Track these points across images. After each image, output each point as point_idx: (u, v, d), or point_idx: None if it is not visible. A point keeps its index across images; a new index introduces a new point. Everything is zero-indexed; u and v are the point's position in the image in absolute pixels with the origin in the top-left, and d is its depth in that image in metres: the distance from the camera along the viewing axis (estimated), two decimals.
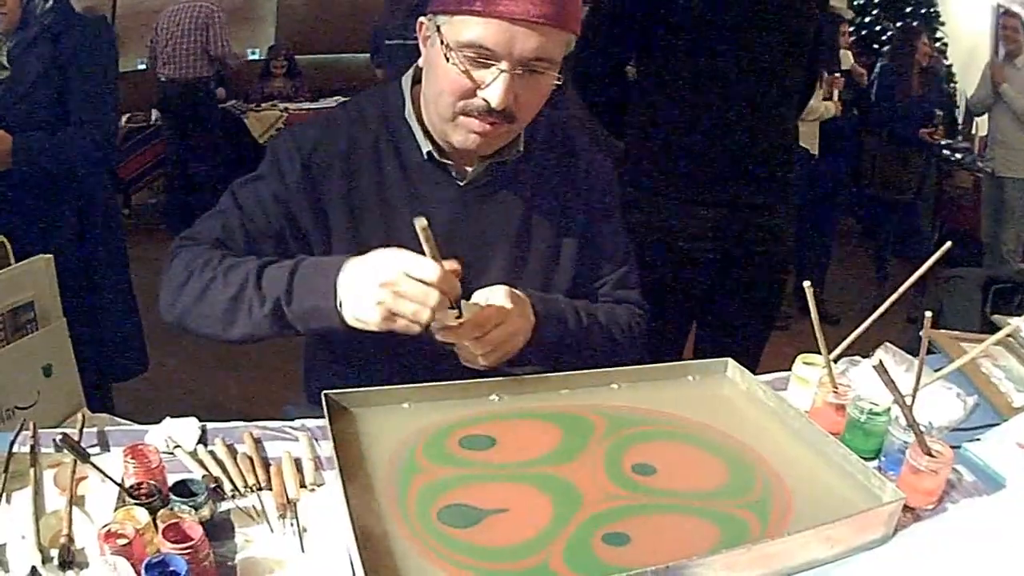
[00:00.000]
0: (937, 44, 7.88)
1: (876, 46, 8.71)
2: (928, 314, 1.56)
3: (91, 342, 2.93)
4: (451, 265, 1.49)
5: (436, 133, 1.72)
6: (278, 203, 1.71)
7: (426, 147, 1.72)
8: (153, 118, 7.95)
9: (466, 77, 1.57)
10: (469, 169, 1.76)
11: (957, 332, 2.24)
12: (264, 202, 1.71)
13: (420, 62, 1.71)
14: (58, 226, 2.97)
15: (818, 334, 1.65)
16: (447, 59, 1.57)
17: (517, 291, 1.66)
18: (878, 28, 9.13)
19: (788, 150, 2.93)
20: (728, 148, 2.75)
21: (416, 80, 1.77)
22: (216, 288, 1.59)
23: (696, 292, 2.96)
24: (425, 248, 1.44)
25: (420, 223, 1.41)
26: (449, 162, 1.75)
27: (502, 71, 1.55)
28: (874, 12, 9.28)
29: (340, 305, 1.49)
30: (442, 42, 1.57)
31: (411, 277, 1.42)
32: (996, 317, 2.60)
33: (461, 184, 1.76)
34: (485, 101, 1.58)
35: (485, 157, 1.75)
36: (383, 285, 1.42)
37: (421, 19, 1.66)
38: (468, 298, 1.63)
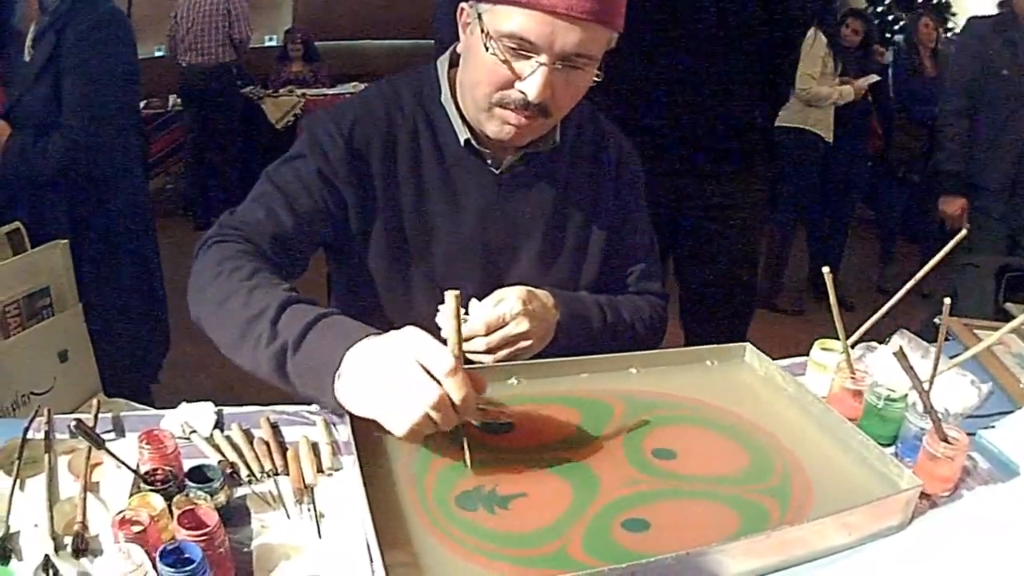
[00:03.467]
0: (948, 35, 7.86)
1: (888, 35, 8.76)
2: (947, 301, 1.55)
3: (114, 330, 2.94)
4: (474, 379, 1.32)
5: (472, 121, 1.71)
6: (322, 179, 1.69)
7: (464, 135, 1.72)
8: (170, 104, 7.98)
9: (506, 68, 1.55)
10: (506, 158, 1.76)
11: (971, 319, 2.23)
12: (307, 180, 1.68)
13: (458, 47, 1.71)
14: (81, 212, 2.96)
15: (837, 320, 1.64)
16: (486, 48, 1.55)
17: (537, 291, 1.67)
18: (891, 18, 9.16)
19: (748, 124, 3.04)
20: (686, 118, 2.89)
21: (452, 64, 1.76)
22: (236, 303, 1.47)
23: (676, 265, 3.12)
24: (447, 328, 1.36)
25: (451, 295, 1.33)
26: (486, 150, 1.74)
27: (541, 64, 1.53)
28: (887, 2, 9.31)
29: (337, 378, 1.33)
30: (482, 30, 1.55)
31: (421, 365, 1.26)
32: (1009, 305, 2.60)
33: (496, 172, 1.76)
34: (522, 93, 1.57)
35: (521, 147, 1.74)
36: (379, 364, 1.29)
37: (462, 4, 1.64)
38: (499, 286, 1.64)
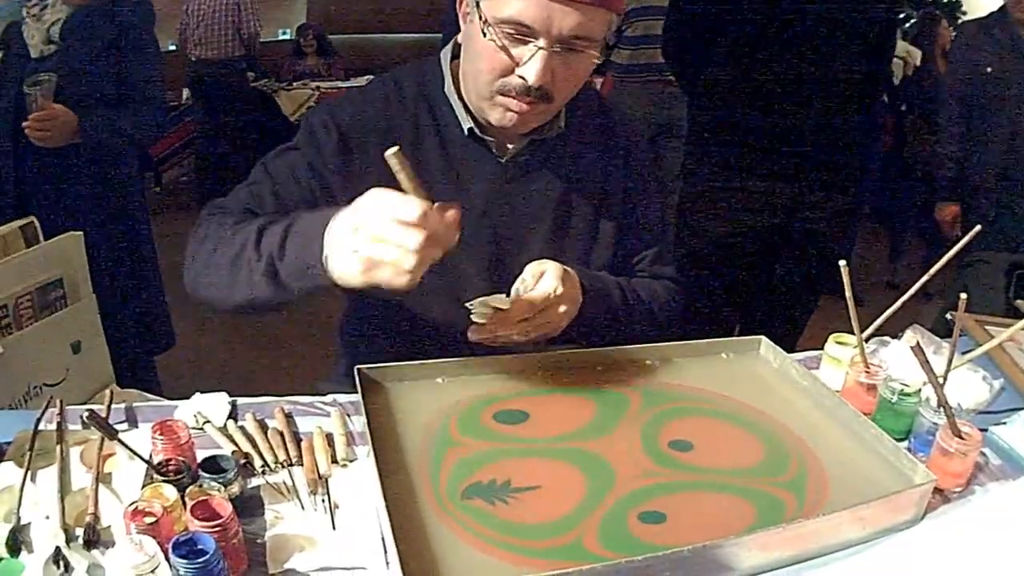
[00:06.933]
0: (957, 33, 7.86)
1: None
2: (963, 296, 1.55)
3: (118, 318, 2.96)
4: (447, 210, 1.34)
5: (474, 110, 1.71)
6: (312, 171, 1.69)
7: (467, 124, 1.71)
8: (183, 98, 8.02)
9: (504, 54, 1.55)
10: (510, 146, 1.76)
11: (982, 316, 2.23)
12: (296, 170, 1.69)
13: (459, 37, 1.70)
14: (86, 204, 2.99)
15: (852, 314, 1.64)
16: (484, 35, 1.54)
17: (568, 268, 1.65)
18: (902, 16, 9.13)
19: (851, 136, 3.08)
20: (792, 125, 2.93)
21: (455, 55, 1.76)
22: (222, 249, 1.53)
23: (749, 265, 3.17)
24: (402, 182, 1.31)
25: (389, 152, 1.30)
26: (490, 139, 1.73)
27: (540, 48, 1.52)
28: None
29: (326, 260, 1.36)
30: (480, 18, 1.55)
31: (392, 219, 1.27)
32: (1020, 302, 2.60)
33: (502, 161, 1.75)
34: (522, 79, 1.56)
35: (526, 134, 1.73)
36: (357, 229, 1.30)
37: None
38: (507, 274, 1.63)
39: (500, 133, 1.73)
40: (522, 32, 1.52)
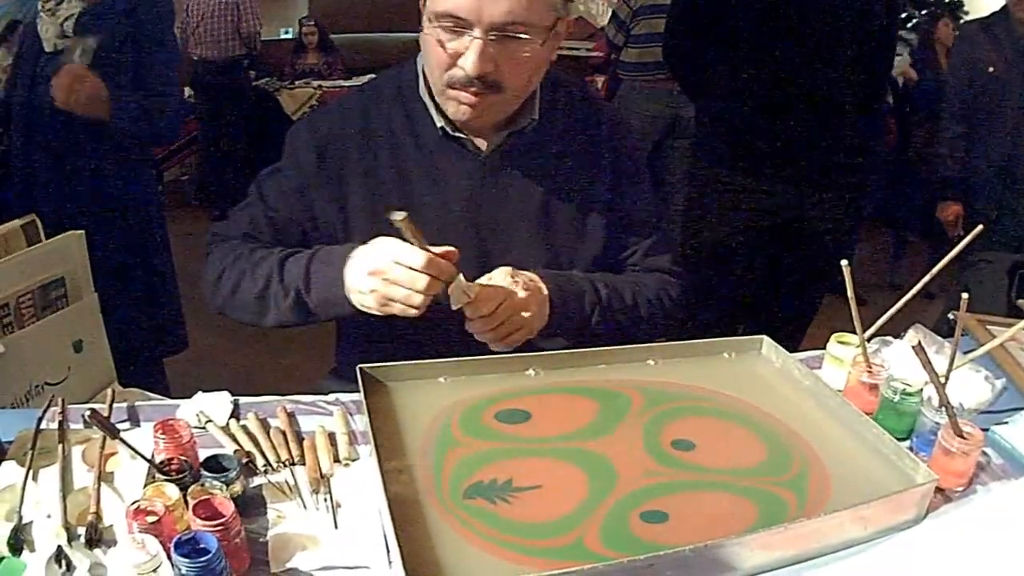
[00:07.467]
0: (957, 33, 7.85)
1: (902, 33, 8.71)
2: (964, 296, 1.55)
3: (129, 320, 2.95)
4: (443, 249, 1.52)
5: (441, 107, 1.72)
6: (300, 195, 1.76)
7: (439, 122, 1.72)
8: (184, 96, 8.01)
9: (441, 47, 1.58)
10: (484, 141, 1.76)
11: (984, 315, 2.22)
12: (286, 194, 1.77)
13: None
14: (100, 203, 2.97)
15: (854, 314, 1.64)
16: (423, 30, 1.59)
17: (522, 271, 1.67)
18: (904, 16, 9.11)
19: (853, 136, 3.12)
20: (794, 126, 2.96)
21: None
22: (246, 284, 1.70)
23: (752, 265, 3.21)
24: (408, 238, 1.48)
25: (396, 216, 1.43)
26: (464, 136, 1.74)
27: (475, 38, 1.54)
28: None
29: (348, 294, 1.58)
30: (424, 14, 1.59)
31: (400, 264, 1.48)
32: (1022, 302, 2.60)
33: (480, 158, 1.76)
34: (463, 70, 1.58)
35: (501, 128, 1.75)
36: (372, 273, 1.51)
37: None
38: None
39: (472, 129, 1.74)
40: (458, 24, 1.55)
